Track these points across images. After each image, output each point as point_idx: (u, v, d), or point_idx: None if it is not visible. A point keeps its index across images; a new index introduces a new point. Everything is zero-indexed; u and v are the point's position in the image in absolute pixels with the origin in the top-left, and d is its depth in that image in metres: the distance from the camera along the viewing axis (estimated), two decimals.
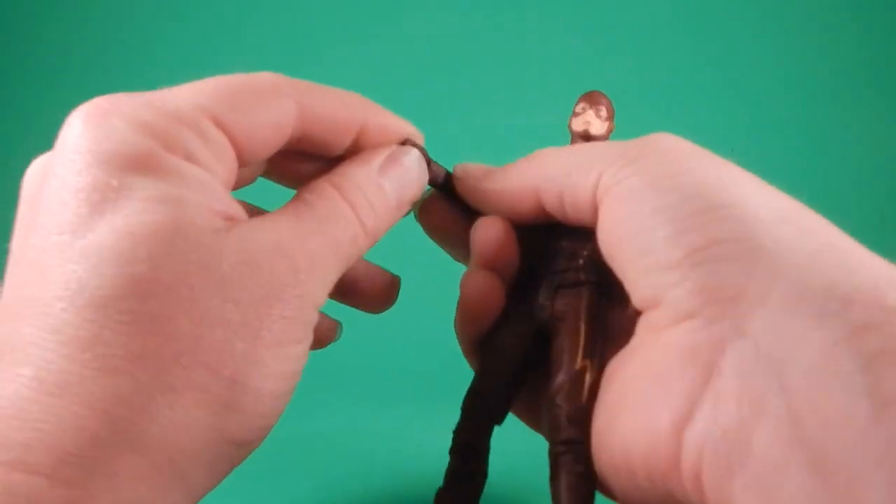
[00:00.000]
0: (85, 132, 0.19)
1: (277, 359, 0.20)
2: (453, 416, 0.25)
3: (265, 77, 0.22)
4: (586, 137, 0.26)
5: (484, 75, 0.66)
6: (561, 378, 0.22)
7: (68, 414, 0.17)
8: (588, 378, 0.22)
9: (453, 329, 0.26)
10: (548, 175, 0.23)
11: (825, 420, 0.15)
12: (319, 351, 0.28)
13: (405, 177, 0.24)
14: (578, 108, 0.27)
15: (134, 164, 0.19)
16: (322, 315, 0.24)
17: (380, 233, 0.23)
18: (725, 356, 0.17)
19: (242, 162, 0.22)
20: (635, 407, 0.19)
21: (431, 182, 0.26)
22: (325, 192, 0.22)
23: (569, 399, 0.22)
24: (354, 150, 0.24)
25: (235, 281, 0.19)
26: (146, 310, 0.18)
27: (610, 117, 0.27)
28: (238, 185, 0.24)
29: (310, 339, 0.21)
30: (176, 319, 0.18)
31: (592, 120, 0.27)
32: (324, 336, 0.28)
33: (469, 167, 0.25)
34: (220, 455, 0.19)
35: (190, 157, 0.20)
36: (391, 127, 0.24)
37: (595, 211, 0.22)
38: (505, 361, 0.24)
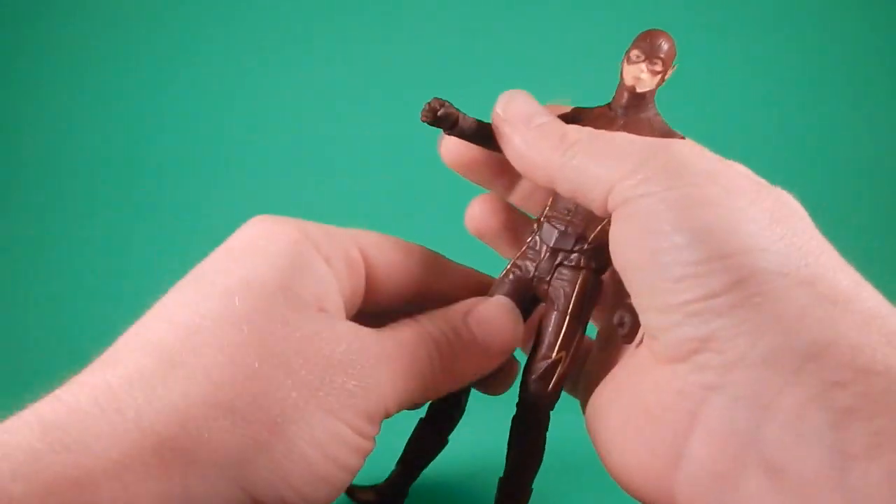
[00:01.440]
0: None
1: (325, 426, 0.20)
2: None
3: (416, 246, 0.27)
4: (632, 92, 0.25)
5: (484, 75, 0.66)
6: (539, 361, 0.26)
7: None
8: (560, 369, 0.25)
9: None
10: (562, 174, 0.23)
11: (799, 472, 0.17)
12: None
13: (491, 322, 0.25)
14: (633, 55, 0.26)
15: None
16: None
17: (460, 370, 0.25)
18: (708, 404, 0.19)
19: (373, 291, 0.25)
20: (632, 442, 0.21)
21: (460, 134, 0.26)
22: (409, 321, 0.24)
23: (540, 383, 0.25)
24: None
25: (308, 351, 0.21)
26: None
27: (665, 70, 0.25)
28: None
29: (361, 450, 0.22)
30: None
31: (643, 76, 0.25)
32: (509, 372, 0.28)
33: (513, 109, 0.25)
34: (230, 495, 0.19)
35: (328, 260, 0.23)
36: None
37: (607, 213, 0.22)
38: None
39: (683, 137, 0.26)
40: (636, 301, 0.21)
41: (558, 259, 0.25)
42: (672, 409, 0.19)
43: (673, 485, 0.19)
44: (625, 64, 0.26)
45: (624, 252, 0.21)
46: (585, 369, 0.27)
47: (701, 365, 0.19)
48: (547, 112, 0.25)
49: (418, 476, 0.27)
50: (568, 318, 0.25)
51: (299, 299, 0.21)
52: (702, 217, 0.20)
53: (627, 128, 0.25)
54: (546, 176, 0.23)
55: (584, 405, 0.26)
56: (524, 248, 0.27)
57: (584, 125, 0.25)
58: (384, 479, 0.27)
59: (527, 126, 0.24)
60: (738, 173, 0.22)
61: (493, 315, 0.25)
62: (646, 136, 0.25)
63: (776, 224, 0.21)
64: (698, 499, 0.19)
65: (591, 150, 0.23)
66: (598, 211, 0.23)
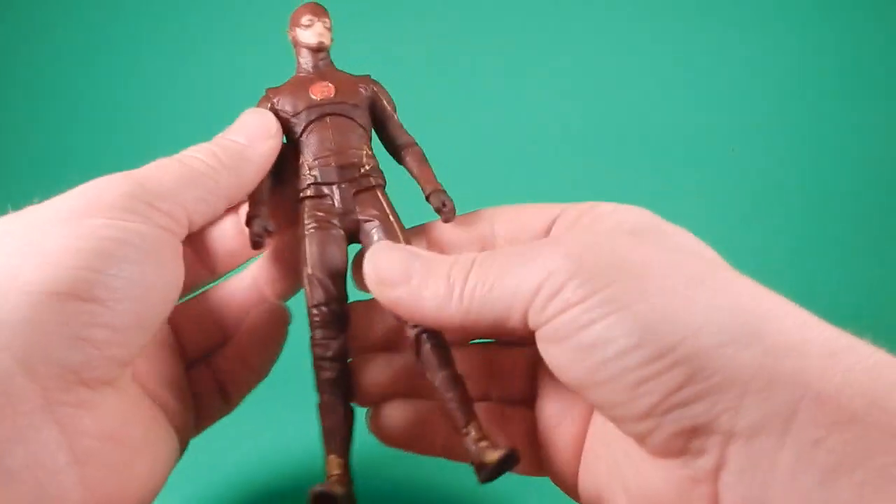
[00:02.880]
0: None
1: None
2: None
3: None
4: (319, 49, 0.29)
5: (482, 75, 0.66)
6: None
7: None
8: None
9: None
10: (469, 320, 0.22)
11: None
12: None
13: (245, 124, 0.28)
14: (305, 21, 0.28)
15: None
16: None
17: (241, 169, 0.27)
18: (721, 483, 0.19)
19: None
20: None
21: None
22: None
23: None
24: None
25: None
26: None
27: (331, 27, 0.29)
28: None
29: (139, 225, 0.23)
30: None
31: (323, 31, 0.29)
32: (281, 323, 0.29)
33: (386, 271, 0.24)
34: (38, 307, 0.20)
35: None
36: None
37: (532, 333, 0.21)
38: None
39: (368, 74, 0.29)
40: (606, 414, 0.21)
41: (350, 189, 0.28)
42: (692, 497, 0.20)
43: None
44: (299, 32, 0.29)
45: (568, 373, 0.21)
46: (551, 444, 0.27)
47: (700, 450, 0.19)
48: (416, 253, 0.24)
49: (350, 455, 0.26)
50: (393, 223, 0.27)
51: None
52: (627, 318, 0.19)
53: (324, 77, 0.28)
54: (455, 325, 0.22)
55: (562, 480, 0.26)
56: (308, 202, 0.28)
57: (281, 99, 0.28)
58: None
59: (407, 282, 0.23)
60: (640, 248, 0.22)
61: (242, 118, 0.28)
62: (344, 77, 0.29)
63: (696, 288, 0.20)
64: None
65: (488, 280, 0.21)
66: (524, 335, 0.22)
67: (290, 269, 0.29)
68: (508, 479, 0.24)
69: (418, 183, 0.28)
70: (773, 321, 0.20)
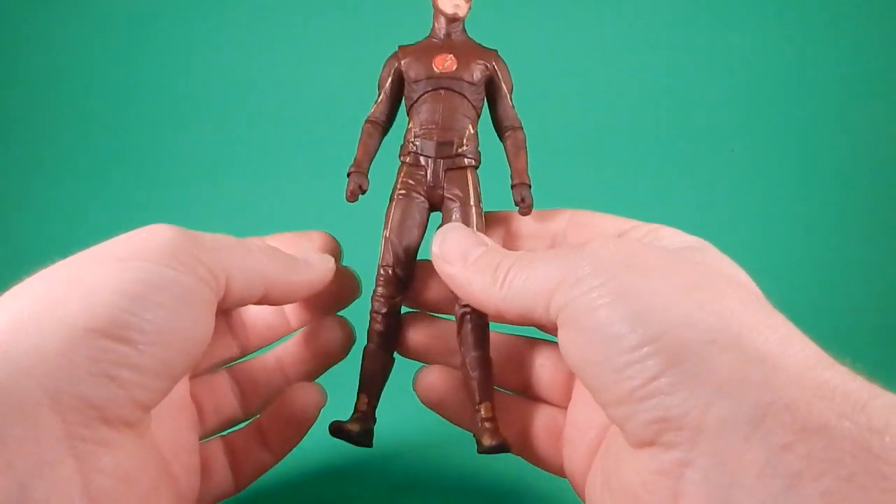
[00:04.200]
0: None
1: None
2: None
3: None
4: (453, 19, 0.30)
5: None
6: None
7: None
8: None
9: None
10: (505, 305, 0.25)
11: None
12: None
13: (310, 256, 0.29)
14: None
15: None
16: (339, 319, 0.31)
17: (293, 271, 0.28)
18: (685, 480, 0.20)
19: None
20: None
21: None
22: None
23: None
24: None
25: None
26: None
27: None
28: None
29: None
30: None
31: (461, 2, 0.30)
32: (312, 407, 0.30)
33: (449, 248, 0.27)
34: (69, 342, 0.21)
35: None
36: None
37: (554, 324, 0.24)
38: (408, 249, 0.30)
39: (496, 50, 0.31)
40: (596, 398, 0.22)
41: (443, 166, 0.30)
42: (655, 490, 0.21)
43: None
44: (438, 1, 0.30)
45: (572, 354, 0.23)
46: (571, 444, 0.29)
47: (669, 443, 0.20)
48: (480, 241, 0.27)
49: (380, 398, 0.30)
50: (472, 207, 0.30)
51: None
52: (627, 305, 0.21)
53: (451, 49, 0.30)
54: (492, 308, 0.25)
55: (576, 482, 0.28)
56: (405, 168, 0.30)
57: (410, 61, 0.30)
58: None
59: (464, 264, 0.26)
60: (651, 251, 0.24)
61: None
62: (471, 51, 0.30)
63: (694, 291, 0.22)
64: None
65: (523, 274, 0.24)
66: (547, 325, 0.24)
67: (315, 353, 0.31)
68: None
69: (510, 169, 0.31)
70: (758, 332, 0.21)
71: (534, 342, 0.31)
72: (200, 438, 0.29)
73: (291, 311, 0.31)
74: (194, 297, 0.23)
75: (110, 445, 0.21)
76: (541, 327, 0.25)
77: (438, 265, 0.27)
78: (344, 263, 0.31)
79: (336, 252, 0.30)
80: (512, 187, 0.30)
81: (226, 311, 0.27)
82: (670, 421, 0.20)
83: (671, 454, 0.20)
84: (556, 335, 0.24)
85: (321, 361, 0.31)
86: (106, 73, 0.68)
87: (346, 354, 0.32)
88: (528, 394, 0.31)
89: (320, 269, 0.28)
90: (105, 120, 0.67)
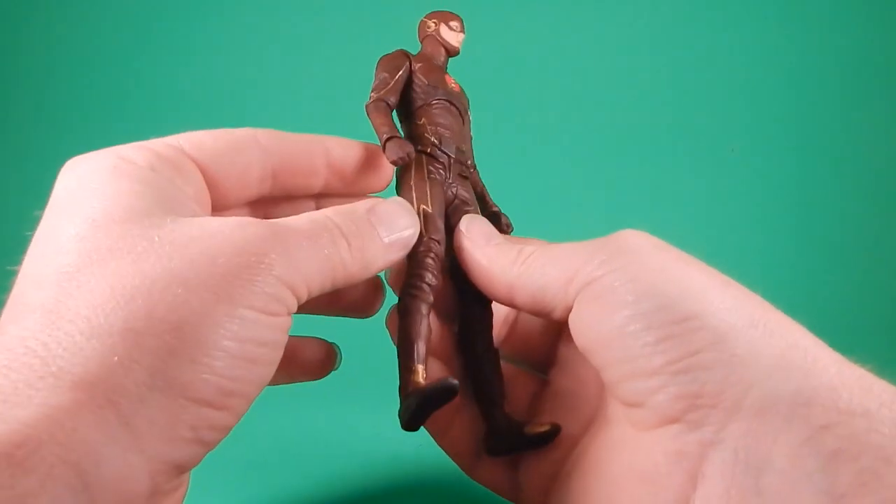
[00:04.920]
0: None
1: (231, 317, 0.20)
2: None
3: (241, 131, 0.26)
4: (454, 53, 0.32)
5: (483, 74, 0.66)
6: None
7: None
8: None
9: None
10: (520, 282, 0.25)
11: None
12: None
13: (394, 220, 0.26)
14: (454, 26, 0.32)
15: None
16: (321, 340, 0.29)
17: (370, 263, 0.25)
18: (708, 461, 0.19)
19: (225, 202, 0.26)
20: None
21: None
22: (312, 214, 0.24)
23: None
24: (334, 192, 0.28)
25: (190, 255, 0.21)
26: None
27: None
28: None
29: (277, 326, 0.22)
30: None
31: (460, 42, 0.32)
32: (321, 362, 0.30)
33: (475, 230, 0.27)
34: (172, 412, 0.19)
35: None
36: (354, 157, 0.28)
37: (566, 307, 0.23)
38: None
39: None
40: (609, 375, 0.22)
41: (456, 170, 0.30)
42: (670, 471, 0.20)
43: None
44: (446, 30, 0.31)
45: (590, 330, 0.22)
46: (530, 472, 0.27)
47: (696, 422, 0.20)
48: (503, 236, 0.27)
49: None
50: (478, 209, 0.30)
51: (157, 213, 0.22)
52: (664, 282, 0.21)
53: (448, 76, 0.31)
54: (505, 286, 0.25)
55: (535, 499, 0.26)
56: (427, 158, 0.30)
57: (424, 66, 0.30)
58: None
59: (487, 243, 0.27)
60: (681, 250, 0.24)
61: (394, 210, 0.26)
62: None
63: (729, 287, 0.22)
64: None
65: (545, 257, 0.24)
66: (557, 310, 0.24)
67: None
68: None
69: (482, 198, 0.31)
70: (793, 328, 0.21)
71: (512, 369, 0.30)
72: None
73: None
74: (283, 339, 0.22)
75: (175, 490, 0.21)
76: (547, 312, 0.25)
77: (462, 242, 0.27)
78: None
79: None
80: (488, 216, 0.30)
81: None
82: (703, 397, 0.20)
83: (697, 434, 0.20)
84: (559, 319, 0.24)
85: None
86: (105, 73, 0.68)
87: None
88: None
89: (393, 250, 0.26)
90: (105, 119, 0.67)
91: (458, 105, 0.30)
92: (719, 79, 0.67)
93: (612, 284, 0.22)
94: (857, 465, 0.18)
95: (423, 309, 0.27)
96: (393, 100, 0.29)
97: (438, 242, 0.27)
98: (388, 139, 0.27)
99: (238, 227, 0.22)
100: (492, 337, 0.29)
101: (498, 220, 0.30)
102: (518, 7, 0.66)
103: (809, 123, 0.66)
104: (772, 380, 0.19)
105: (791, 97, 0.67)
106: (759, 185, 0.65)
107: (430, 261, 0.27)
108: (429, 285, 0.27)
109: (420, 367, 0.26)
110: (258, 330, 0.21)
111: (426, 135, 0.29)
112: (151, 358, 0.19)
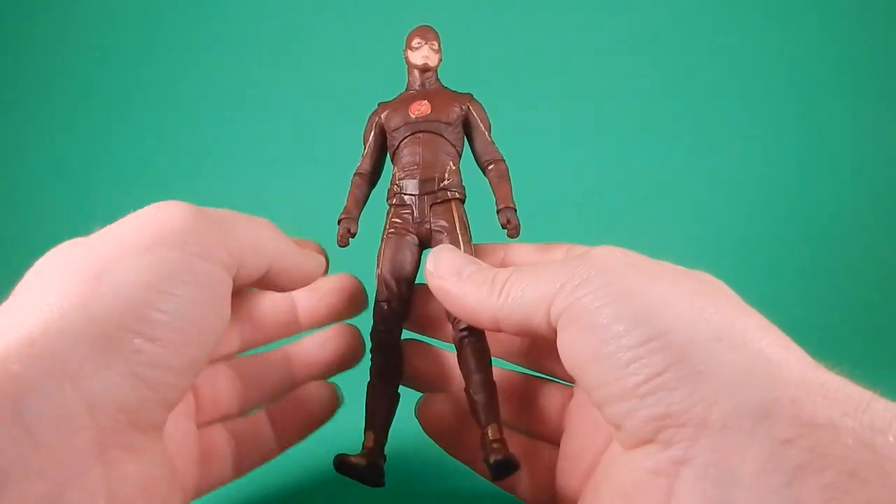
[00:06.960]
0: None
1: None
2: None
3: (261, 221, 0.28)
4: (425, 70, 0.32)
5: (483, 74, 0.66)
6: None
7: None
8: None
9: None
10: (503, 314, 0.25)
11: None
12: None
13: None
14: (415, 43, 0.32)
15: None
16: (321, 382, 0.31)
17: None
18: (680, 479, 0.20)
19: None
20: None
21: None
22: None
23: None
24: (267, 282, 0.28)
25: None
26: None
27: (440, 48, 0.32)
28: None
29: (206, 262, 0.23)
30: None
31: (429, 53, 0.31)
32: (328, 402, 0.31)
33: (443, 266, 0.27)
34: (101, 346, 0.20)
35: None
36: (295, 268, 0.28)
37: (553, 331, 0.24)
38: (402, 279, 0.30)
39: (471, 94, 0.32)
40: (593, 398, 0.22)
41: (428, 201, 0.30)
42: (648, 489, 0.20)
43: None
44: (409, 53, 0.32)
45: (573, 353, 0.23)
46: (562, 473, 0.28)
47: (667, 441, 0.20)
48: (473, 260, 0.27)
49: (387, 435, 0.29)
50: (459, 235, 0.30)
51: None
52: (633, 304, 0.21)
53: (426, 96, 0.31)
54: (489, 318, 0.25)
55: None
56: (392, 210, 0.30)
57: (389, 113, 0.31)
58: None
59: (459, 277, 0.26)
60: (655, 261, 0.24)
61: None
62: (444, 96, 0.31)
63: (698, 298, 0.22)
64: None
65: (522, 283, 0.24)
66: (545, 333, 0.24)
67: (332, 357, 0.31)
68: None
69: (495, 197, 0.31)
70: (761, 335, 0.21)
71: (528, 378, 0.31)
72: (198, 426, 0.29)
73: (303, 311, 0.31)
74: (216, 283, 0.23)
75: (136, 450, 0.21)
76: (538, 337, 0.25)
77: (432, 281, 0.27)
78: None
79: (325, 259, 0.31)
80: (497, 212, 0.30)
81: (240, 300, 0.28)
82: (671, 417, 0.20)
83: (668, 452, 0.20)
84: (550, 341, 0.24)
85: (333, 365, 0.31)
86: (106, 73, 0.68)
87: (357, 363, 0.32)
88: (519, 428, 0.30)
89: (316, 261, 0.29)
90: (104, 120, 0.67)
91: (424, 128, 0.31)
92: (719, 79, 0.67)
93: (588, 308, 0.22)
94: (822, 480, 0.18)
95: (377, 375, 0.29)
96: (370, 167, 0.32)
97: (387, 302, 0.30)
98: (338, 221, 0.30)
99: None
100: (482, 358, 0.29)
101: (502, 223, 0.30)
102: (518, 7, 0.67)
103: (809, 123, 0.66)
104: (735, 394, 0.19)
105: (791, 97, 0.67)
106: (760, 184, 0.65)
107: (378, 325, 0.30)
108: (379, 349, 0.30)
109: (369, 433, 0.28)
110: (174, 264, 0.22)
111: (394, 186, 0.31)
112: (80, 298, 0.20)
